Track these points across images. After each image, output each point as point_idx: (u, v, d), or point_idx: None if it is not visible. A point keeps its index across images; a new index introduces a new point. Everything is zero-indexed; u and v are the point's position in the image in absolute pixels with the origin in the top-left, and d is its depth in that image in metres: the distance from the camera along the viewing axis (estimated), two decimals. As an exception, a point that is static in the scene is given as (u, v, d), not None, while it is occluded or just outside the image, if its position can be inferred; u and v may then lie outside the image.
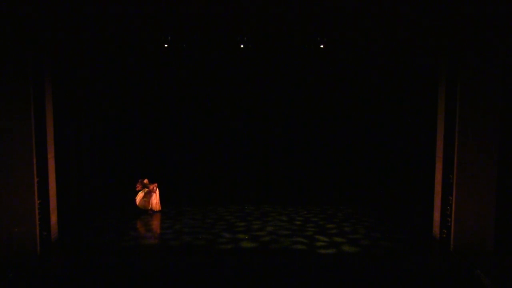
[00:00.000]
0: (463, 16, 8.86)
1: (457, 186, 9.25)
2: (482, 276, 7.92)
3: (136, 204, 12.49)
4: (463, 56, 9.03)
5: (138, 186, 12.63)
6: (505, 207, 9.38)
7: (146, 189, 12.59)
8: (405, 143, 13.21)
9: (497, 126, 9.09)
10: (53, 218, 9.73)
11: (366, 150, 14.46)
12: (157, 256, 9.69)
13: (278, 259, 9.07)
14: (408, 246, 9.90)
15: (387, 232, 10.74)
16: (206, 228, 11.09)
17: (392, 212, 12.62)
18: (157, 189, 12.80)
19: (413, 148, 12.60)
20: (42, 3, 8.66)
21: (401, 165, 13.48)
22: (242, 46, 10.67)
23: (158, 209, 12.75)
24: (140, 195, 12.55)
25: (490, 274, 7.96)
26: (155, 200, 12.70)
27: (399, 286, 7.89)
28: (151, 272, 8.56)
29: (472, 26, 8.86)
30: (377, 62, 13.52)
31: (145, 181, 12.72)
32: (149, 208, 12.55)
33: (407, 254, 9.41)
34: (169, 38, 10.50)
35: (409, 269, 8.56)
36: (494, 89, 9.00)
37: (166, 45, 10.65)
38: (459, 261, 8.84)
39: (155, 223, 11.88)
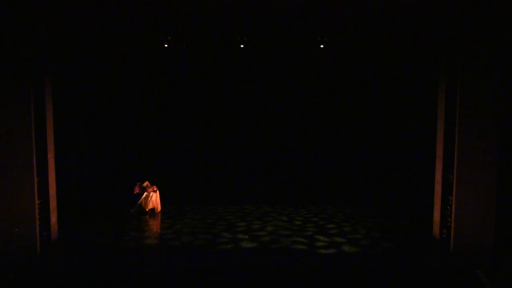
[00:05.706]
0: (463, 16, 8.86)
1: (457, 186, 9.25)
2: (482, 276, 7.92)
3: (141, 205, 12.53)
4: (463, 56, 9.03)
5: (136, 189, 12.66)
6: (505, 207, 9.38)
7: (145, 192, 12.61)
8: (405, 143, 13.22)
9: (497, 126, 9.09)
10: (53, 218, 9.74)
11: (366, 150, 14.45)
12: (157, 256, 9.70)
13: (278, 259, 9.08)
14: (408, 246, 9.90)
15: (387, 232, 10.75)
16: (206, 228, 11.10)
17: (392, 212, 12.62)
18: (157, 190, 12.81)
19: (413, 148, 12.60)
20: (42, 3, 8.66)
21: (401, 165, 13.48)
22: (242, 46, 10.68)
23: (158, 210, 12.76)
24: (143, 195, 12.59)
25: (490, 274, 7.96)
26: (155, 201, 12.71)
27: (399, 286, 7.89)
28: (151, 272, 8.56)
29: (472, 25, 8.86)
30: (377, 62, 13.52)
31: (145, 183, 12.71)
32: (149, 208, 12.56)
33: (407, 254, 9.40)
34: (169, 38, 10.51)
35: (409, 269, 8.56)
36: (494, 88, 8.99)
37: (166, 45, 10.67)
38: (459, 261, 8.84)
39: (155, 223, 11.88)
